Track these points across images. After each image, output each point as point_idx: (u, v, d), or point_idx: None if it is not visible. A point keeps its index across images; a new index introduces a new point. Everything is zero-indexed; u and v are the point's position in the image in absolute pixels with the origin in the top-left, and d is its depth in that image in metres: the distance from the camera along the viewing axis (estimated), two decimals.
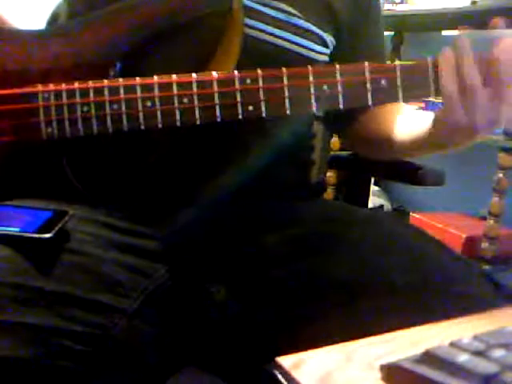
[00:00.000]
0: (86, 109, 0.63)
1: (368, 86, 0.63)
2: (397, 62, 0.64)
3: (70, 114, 0.64)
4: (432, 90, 0.63)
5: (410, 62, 0.64)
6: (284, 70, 0.63)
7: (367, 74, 0.63)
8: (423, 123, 0.72)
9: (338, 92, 0.63)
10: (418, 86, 0.64)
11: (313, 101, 0.63)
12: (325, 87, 0.63)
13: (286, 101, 0.63)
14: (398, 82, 0.63)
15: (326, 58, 0.79)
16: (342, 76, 0.63)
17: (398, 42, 2.44)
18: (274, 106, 0.64)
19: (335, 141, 1.16)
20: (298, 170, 0.84)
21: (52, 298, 0.54)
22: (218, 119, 0.63)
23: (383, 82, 0.63)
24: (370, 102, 0.64)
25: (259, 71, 0.63)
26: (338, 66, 0.63)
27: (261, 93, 0.63)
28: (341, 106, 0.64)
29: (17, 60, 0.68)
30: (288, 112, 0.64)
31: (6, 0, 0.75)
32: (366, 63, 0.63)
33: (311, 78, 0.63)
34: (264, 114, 0.64)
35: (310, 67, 0.64)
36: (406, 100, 0.65)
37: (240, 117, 0.63)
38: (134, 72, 0.65)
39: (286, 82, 0.63)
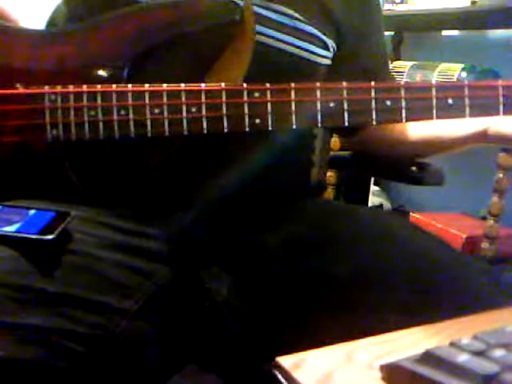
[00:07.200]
0: (93, 113, 0.62)
1: (373, 104, 0.64)
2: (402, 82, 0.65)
3: (77, 118, 0.63)
4: (434, 115, 0.64)
5: (416, 84, 0.65)
6: (292, 84, 0.63)
7: (373, 93, 0.64)
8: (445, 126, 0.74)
9: (343, 109, 0.64)
10: (422, 110, 0.65)
11: (319, 116, 0.64)
12: (331, 104, 0.64)
13: (293, 115, 0.64)
14: (403, 103, 0.64)
15: (328, 62, 0.80)
16: (349, 94, 0.64)
17: (397, 41, 2.44)
18: (281, 120, 0.64)
19: (335, 141, 1.16)
20: (298, 170, 0.85)
21: (54, 299, 0.54)
22: (225, 130, 0.63)
23: (388, 102, 0.64)
24: (374, 122, 0.64)
25: (267, 84, 0.63)
26: (344, 84, 0.64)
27: (268, 106, 0.63)
28: (346, 124, 0.64)
29: (22, 59, 0.67)
30: (294, 126, 0.64)
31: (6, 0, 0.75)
32: (373, 82, 0.64)
33: (318, 94, 0.63)
34: (270, 127, 0.64)
35: (317, 83, 0.64)
36: (409, 120, 0.65)
37: (247, 129, 0.63)
38: (139, 78, 0.65)
39: (293, 96, 0.63)
